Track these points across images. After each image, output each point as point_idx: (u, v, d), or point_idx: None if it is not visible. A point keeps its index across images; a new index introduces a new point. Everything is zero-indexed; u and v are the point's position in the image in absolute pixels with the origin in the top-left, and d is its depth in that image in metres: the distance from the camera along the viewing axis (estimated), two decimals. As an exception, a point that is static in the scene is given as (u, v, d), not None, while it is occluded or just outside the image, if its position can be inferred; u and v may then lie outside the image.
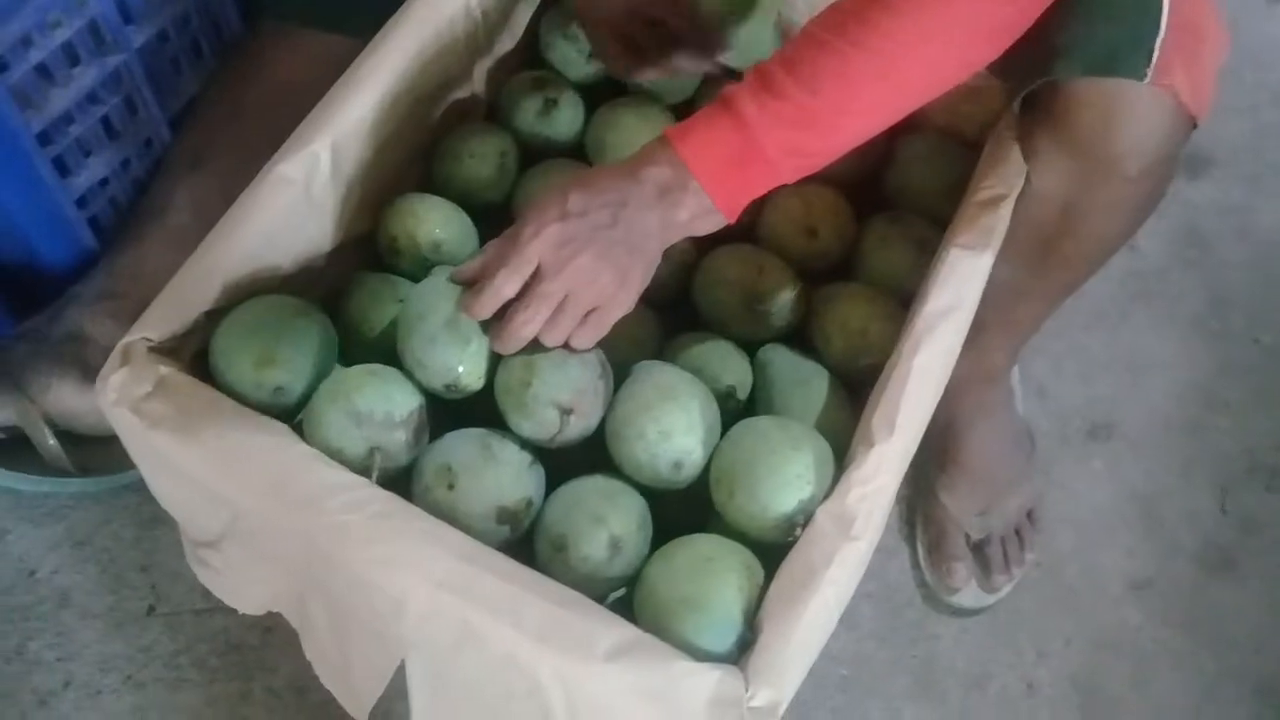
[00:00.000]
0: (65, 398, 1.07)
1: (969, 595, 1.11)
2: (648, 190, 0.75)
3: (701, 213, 0.76)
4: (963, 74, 0.75)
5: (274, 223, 0.83)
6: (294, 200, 0.84)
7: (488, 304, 0.77)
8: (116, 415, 0.77)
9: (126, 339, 0.78)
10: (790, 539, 0.73)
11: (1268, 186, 1.37)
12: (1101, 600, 1.14)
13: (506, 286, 0.76)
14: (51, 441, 1.07)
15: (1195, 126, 0.83)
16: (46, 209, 1.04)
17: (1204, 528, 1.18)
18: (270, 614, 0.88)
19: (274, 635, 1.08)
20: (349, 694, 0.86)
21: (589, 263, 0.75)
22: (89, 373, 1.05)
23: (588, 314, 0.77)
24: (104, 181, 1.08)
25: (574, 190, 0.75)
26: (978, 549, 1.12)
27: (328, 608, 0.82)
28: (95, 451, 1.11)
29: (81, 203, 1.07)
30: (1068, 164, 0.82)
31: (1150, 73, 0.76)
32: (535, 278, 0.75)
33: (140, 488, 1.11)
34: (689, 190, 0.74)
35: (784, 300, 0.92)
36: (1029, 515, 1.14)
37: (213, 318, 0.81)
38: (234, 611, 0.89)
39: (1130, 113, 0.78)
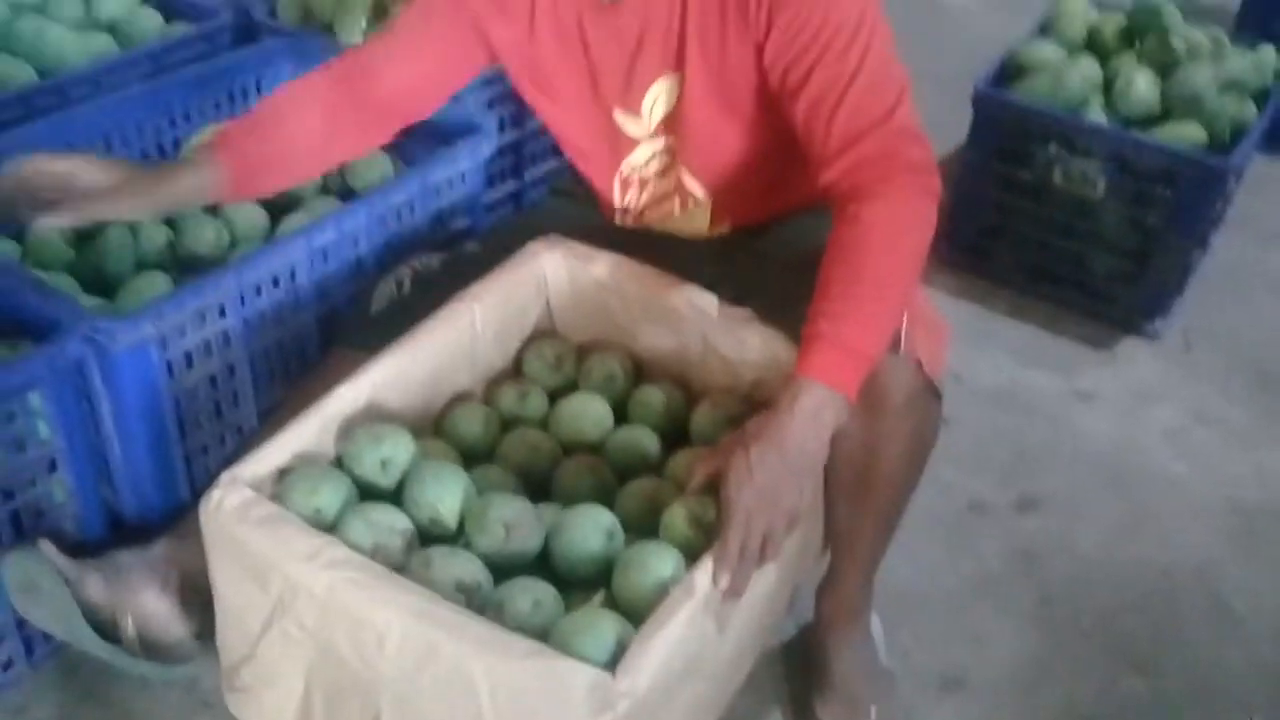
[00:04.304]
0: (147, 600, 1.41)
1: (839, 793, 1.37)
2: (804, 416, 1.15)
3: (842, 412, 1.17)
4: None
5: (311, 439, 1.26)
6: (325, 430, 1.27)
7: (747, 571, 1.13)
8: (208, 521, 1.14)
9: (226, 473, 1.17)
10: (664, 597, 1.08)
11: (1083, 520, 1.77)
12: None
13: (738, 546, 1.12)
14: (131, 631, 1.41)
15: (939, 395, 1.27)
16: (164, 461, 1.46)
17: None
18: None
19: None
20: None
21: (783, 495, 1.14)
22: (167, 587, 1.41)
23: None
24: (205, 449, 1.51)
25: (753, 444, 1.14)
26: (846, 754, 1.39)
27: (324, 694, 1.14)
28: (158, 648, 1.43)
29: (187, 461, 1.49)
30: (858, 406, 1.21)
31: (901, 347, 1.22)
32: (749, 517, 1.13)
33: (186, 684, 1.43)
34: (835, 402, 1.16)
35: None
36: (890, 731, 1.42)
37: (281, 474, 1.21)
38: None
39: (889, 367, 1.22)
